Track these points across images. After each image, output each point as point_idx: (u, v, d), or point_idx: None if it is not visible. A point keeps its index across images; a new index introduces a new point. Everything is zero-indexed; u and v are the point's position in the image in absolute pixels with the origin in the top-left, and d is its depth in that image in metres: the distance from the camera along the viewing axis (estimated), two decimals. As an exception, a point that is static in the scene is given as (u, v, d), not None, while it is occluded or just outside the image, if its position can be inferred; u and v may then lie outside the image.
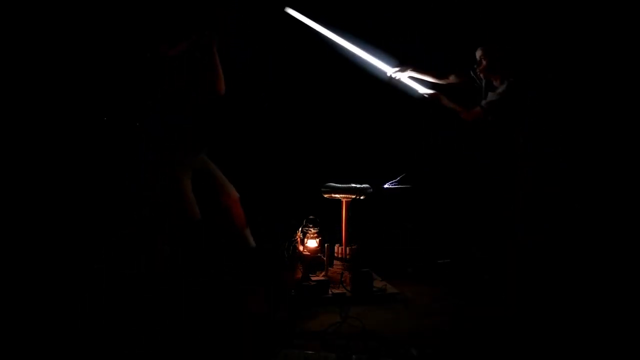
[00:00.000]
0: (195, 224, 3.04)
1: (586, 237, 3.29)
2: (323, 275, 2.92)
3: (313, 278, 2.81)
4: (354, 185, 2.98)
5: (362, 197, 3.00)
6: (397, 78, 3.15)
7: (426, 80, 3.19)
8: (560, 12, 3.64)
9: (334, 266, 3.01)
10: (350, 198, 2.99)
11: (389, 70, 3.15)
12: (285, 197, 3.85)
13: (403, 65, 3.18)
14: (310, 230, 3.03)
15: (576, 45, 3.63)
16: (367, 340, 2.13)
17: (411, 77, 3.17)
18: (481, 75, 3.05)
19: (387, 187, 3.13)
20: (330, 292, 2.75)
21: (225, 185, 3.08)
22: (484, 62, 3.00)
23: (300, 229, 3.08)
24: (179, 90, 3.02)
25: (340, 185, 3.00)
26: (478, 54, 3.03)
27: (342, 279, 2.85)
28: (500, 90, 2.90)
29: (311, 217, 3.05)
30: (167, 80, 3.07)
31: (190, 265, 3.34)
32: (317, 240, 3.02)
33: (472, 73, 3.14)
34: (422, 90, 3.12)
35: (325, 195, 3.08)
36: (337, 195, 3.02)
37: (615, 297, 2.79)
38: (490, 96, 2.93)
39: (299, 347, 2.05)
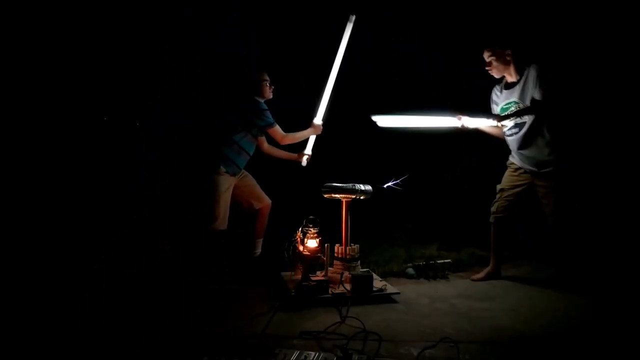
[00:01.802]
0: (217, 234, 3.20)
1: (585, 236, 3.28)
2: (323, 275, 2.91)
3: (313, 278, 2.80)
4: (354, 185, 2.97)
5: (362, 197, 3.00)
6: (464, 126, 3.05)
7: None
8: (561, 12, 3.65)
9: (334, 266, 3.00)
10: (350, 198, 2.99)
11: (455, 122, 3.05)
12: (285, 197, 3.86)
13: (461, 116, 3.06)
14: (310, 230, 3.02)
15: (574, 45, 3.63)
16: (367, 340, 2.13)
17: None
18: (492, 73, 3.02)
19: (387, 187, 3.12)
20: (330, 292, 2.75)
21: (260, 193, 3.46)
22: (493, 62, 2.98)
23: (300, 229, 3.08)
24: (179, 90, 3.13)
25: (340, 185, 3.00)
26: (486, 55, 3.01)
27: (342, 279, 2.85)
28: (537, 73, 2.85)
29: (311, 217, 3.05)
30: (167, 81, 3.18)
31: (191, 265, 3.35)
32: (317, 240, 3.02)
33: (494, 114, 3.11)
34: (491, 122, 3.04)
35: (325, 195, 3.08)
36: (337, 195, 3.01)
37: (615, 295, 2.80)
38: (532, 84, 2.86)
39: (299, 347, 2.05)
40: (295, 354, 1.93)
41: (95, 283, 3.08)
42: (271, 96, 3.36)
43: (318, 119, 3.39)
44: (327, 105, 3.37)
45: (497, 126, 3.07)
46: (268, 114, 3.25)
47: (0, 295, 2.83)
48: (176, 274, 3.18)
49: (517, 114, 2.93)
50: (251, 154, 3.34)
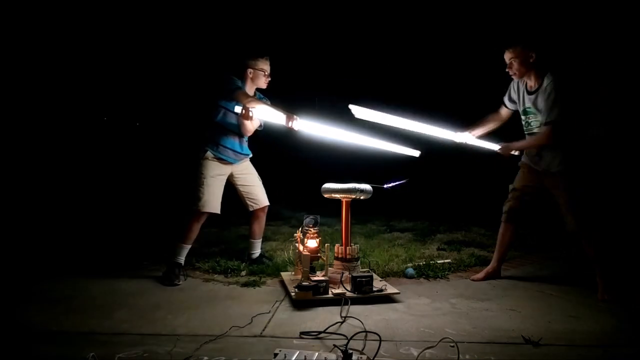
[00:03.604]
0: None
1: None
2: (323, 275, 2.91)
3: (313, 278, 2.81)
4: (354, 185, 2.97)
5: (362, 197, 3.00)
6: (465, 142, 3.16)
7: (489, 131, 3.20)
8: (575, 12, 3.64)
9: (334, 266, 3.01)
10: (350, 198, 2.99)
11: (455, 137, 3.16)
12: (286, 197, 3.86)
13: (464, 130, 3.17)
14: (310, 230, 3.02)
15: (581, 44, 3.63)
16: (367, 340, 2.13)
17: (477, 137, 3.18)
18: (514, 76, 2.99)
19: (387, 187, 3.12)
20: (330, 292, 2.75)
21: (256, 196, 3.42)
22: (515, 64, 2.94)
23: (300, 229, 3.08)
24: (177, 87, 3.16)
25: (339, 186, 2.99)
26: (507, 56, 2.96)
27: (342, 279, 2.85)
28: (549, 93, 2.82)
29: (311, 217, 3.05)
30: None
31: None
32: (317, 240, 3.02)
33: (505, 104, 3.15)
34: (493, 146, 3.09)
35: (326, 196, 3.08)
36: (337, 196, 3.01)
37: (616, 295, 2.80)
38: (544, 104, 2.84)
39: (299, 347, 2.06)
40: (295, 354, 1.93)
41: (96, 280, 3.09)
42: (264, 86, 3.33)
43: (300, 120, 2.96)
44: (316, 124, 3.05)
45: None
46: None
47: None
48: (177, 269, 3.18)
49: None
50: (242, 133, 3.28)
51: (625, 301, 2.75)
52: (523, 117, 3.06)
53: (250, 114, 3.00)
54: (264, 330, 2.31)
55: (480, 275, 3.26)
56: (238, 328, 2.31)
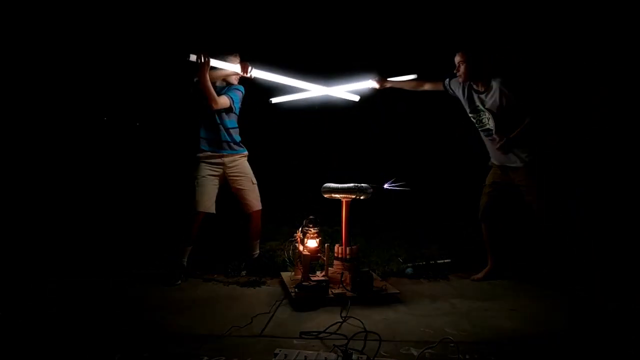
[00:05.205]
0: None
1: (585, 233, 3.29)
2: (323, 275, 2.91)
3: (313, 278, 2.81)
4: (353, 185, 2.97)
5: (362, 197, 2.99)
6: (380, 87, 3.42)
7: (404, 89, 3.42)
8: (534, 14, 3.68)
9: (334, 266, 3.00)
10: (350, 198, 2.99)
11: (372, 85, 3.44)
12: (286, 197, 3.86)
13: (380, 79, 3.41)
14: (310, 230, 3.02)
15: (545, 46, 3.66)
16: (367, 340, 2.13)
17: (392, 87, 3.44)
18: (460, 79, 3.05)
19: (386, 187, 3.12)
20: (330, 292, 2.75)
21: (248, 200, 3.40)
22: (462, 67, 2.99)
23: (300, 229, 3.08)
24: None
25: (339, 186, 2.99)
26: (457, 59, 3.01)
27: (342, 279, 2.85)
28: (507, 92, 2.88)
29: (311, 217, 3.05)
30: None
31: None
32: (317, 240, 3.02)
33: (444, 85, 3.22)
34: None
35: (325, 196, 3.08)
36: (337, 196, 3.01)
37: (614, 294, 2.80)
38: (495, 106, 2.92)
39: (299, 347, 2.06)
40: (295, 354, 1.93)
41: (94, 280, 3.09)
42: (236, 82, 3.36)
43: (255, 69, 3.15)
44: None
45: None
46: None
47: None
48: (178, 270, 3.18)
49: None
50: (217, 124, 3.29)
51: (625, 301, 2.75)
52: (473, 115, 3.11)
53: (206, 59, 2.99)
54: (264, 330, 2.31)
55: (480, 275, 3.26)
56: (238, 328, 2.31)
